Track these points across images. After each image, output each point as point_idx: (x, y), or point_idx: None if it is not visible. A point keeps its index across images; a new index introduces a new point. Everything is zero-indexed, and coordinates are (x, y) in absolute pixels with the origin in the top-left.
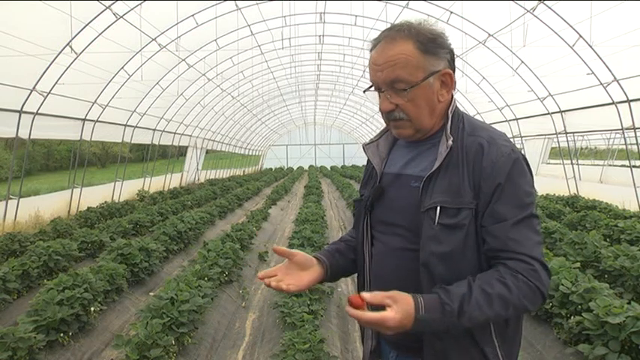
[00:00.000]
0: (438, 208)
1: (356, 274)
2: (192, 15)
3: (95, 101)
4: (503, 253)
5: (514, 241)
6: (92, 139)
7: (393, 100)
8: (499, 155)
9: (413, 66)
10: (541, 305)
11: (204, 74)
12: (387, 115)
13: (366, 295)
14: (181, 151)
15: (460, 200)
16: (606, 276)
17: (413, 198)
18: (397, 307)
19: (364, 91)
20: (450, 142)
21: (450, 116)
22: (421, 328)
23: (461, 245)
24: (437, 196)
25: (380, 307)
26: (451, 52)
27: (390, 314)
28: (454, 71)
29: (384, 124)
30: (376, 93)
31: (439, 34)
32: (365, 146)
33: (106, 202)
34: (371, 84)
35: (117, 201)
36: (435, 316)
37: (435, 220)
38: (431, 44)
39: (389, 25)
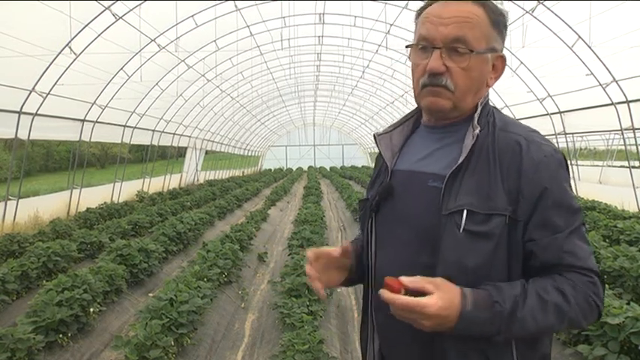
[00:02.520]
0: (465, 211)
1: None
2: (192, 16)
3: (94, 102)
4: (557, 267)
5: (569, 254)
6: (91, 140)
7: (447, 62)
8: (542, 155)
9: (481, 32)
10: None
11: (203, 75)
12: (431, 78)
13: (404, 278)
14: (180, 152)
15: (491, 205)
16: (605, 277)
17: (429, 200)
18: (440, 294)
19: (407, 47)
20: (477, 131)
21: (480, 107)
22: (466, 328)
23: (489, 258)
24: (463, 197)
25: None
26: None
27: (430, 301)
28: None
29: (384, 125)
30: (414, 53)
31: (506, 14)
32: (377, 136)
33: (105, 202)
34: (415, 42)
35: (116, 202)
36: (483, 315)
37: (461, 226)
38: (500, 18)
39: (388, 26)
